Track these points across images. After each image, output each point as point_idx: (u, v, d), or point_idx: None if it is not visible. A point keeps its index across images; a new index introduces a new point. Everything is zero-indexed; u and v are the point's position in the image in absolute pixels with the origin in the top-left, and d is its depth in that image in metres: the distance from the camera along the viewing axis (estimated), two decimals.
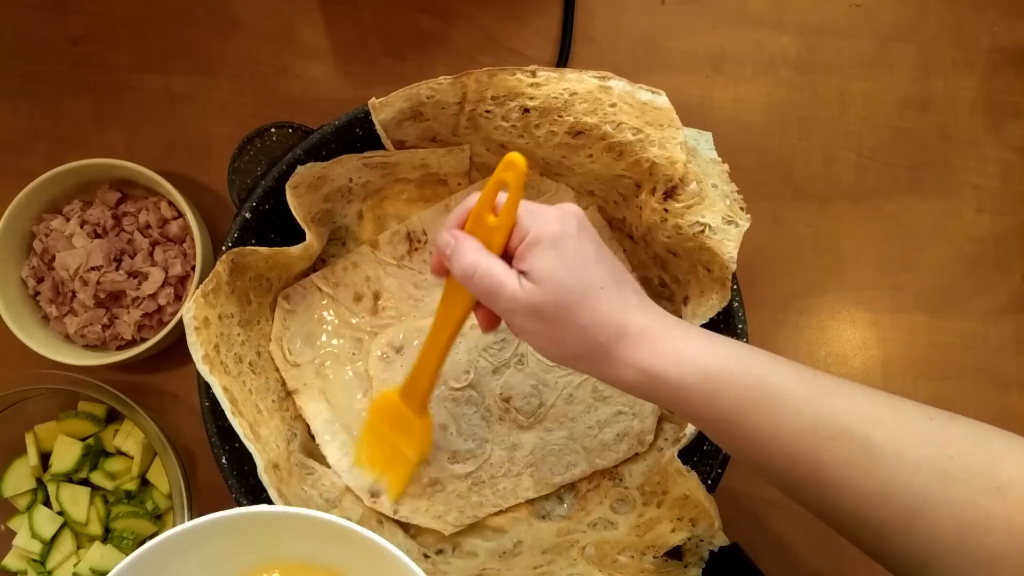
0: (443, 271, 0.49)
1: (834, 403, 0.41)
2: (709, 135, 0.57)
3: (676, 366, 0.42)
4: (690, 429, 0.56)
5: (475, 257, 0.45)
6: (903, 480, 0.39)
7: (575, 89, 0.54)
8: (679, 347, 0.43)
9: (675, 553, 0.55)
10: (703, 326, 0.57)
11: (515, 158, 0.44)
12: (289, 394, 0.62)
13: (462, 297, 0.49)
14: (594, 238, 0.46)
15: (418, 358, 0.54)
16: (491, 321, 0.49)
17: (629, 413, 0.61)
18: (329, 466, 0.61)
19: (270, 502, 0.53)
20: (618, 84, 0.54)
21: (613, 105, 0.54)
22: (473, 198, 0.47)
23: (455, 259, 0.46)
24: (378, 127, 0.56)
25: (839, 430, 0.40)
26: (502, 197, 0.45)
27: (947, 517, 0.38)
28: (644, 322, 0.44)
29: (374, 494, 0.61)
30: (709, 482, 0.54)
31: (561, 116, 0.55)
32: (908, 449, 0.40)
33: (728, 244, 0.53)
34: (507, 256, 0.46)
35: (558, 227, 0.44)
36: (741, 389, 0.42)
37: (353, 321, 0.63)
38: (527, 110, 0.55)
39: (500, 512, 0.62)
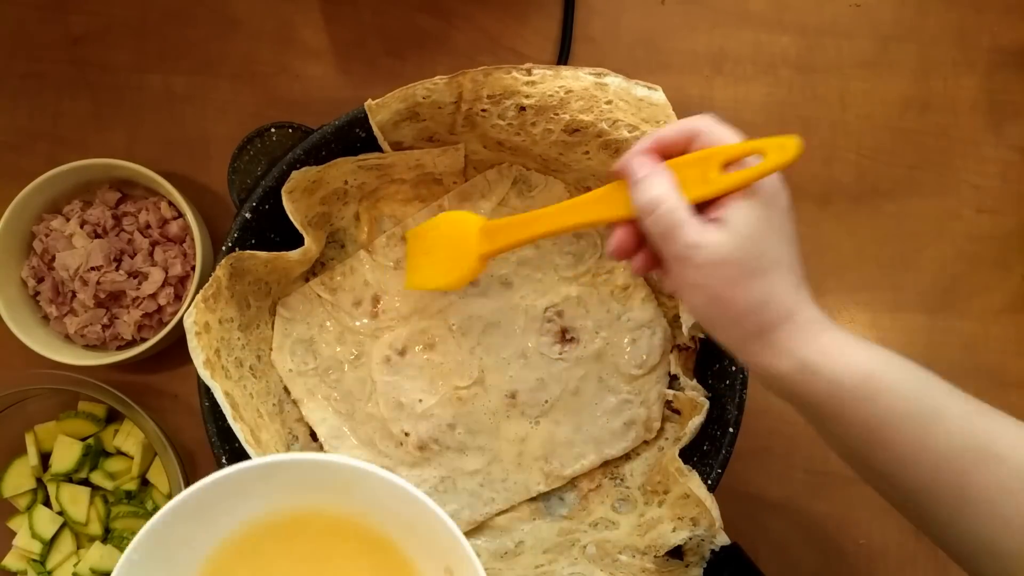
0: (618, 174, 0.46)
1: (988, 426, 0.40)
2: None
3: (835, 363, 0.41)
4: (691, 427, 0.56)
5: (664, 192, 0.42)
6: None
7: (571, 87, 0.54)
8: (841, 345, 0.41)
9: (676, 553, 0.55)
10: None
11: (791, 142, 0.40)
12: (290, 397, 0.62)
13: (615, 207, 0.46)
14: (794, 219, 0.43)
15: (525, 215, 0.51)
16: (648, 266, 0.46)
17: (635, 402, 0.61)
18: None
19: None
20: (614, 80, 0.54)
21: (609, 102, 0.54)
22: (673, 129, 0.44)
23: (642, 188, 0.42)
24: (375, 129, 0.56)
25: (992, 453, 0.39)
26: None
27: None
28: (812, 314, 0.42)
29: None
30: (709, 482, 0.54)
31: (557, 114, 0.55)
32: None
33: None
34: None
35: (773, 187, 0.42)
36: (894, 397, 0.40)
37: (353, 326, 0.63)
38: (523, 108, 0.55)
39: (501, 512, 0.62)
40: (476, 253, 0.54)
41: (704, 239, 0.41)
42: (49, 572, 0.64)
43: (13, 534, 0.65)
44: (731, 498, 0.55)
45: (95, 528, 0.64)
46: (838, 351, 0.41)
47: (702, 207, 0.42)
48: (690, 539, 0.53)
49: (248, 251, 0.56)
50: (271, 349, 0.62)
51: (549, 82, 0.54)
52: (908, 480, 0.41)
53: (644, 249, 0.46)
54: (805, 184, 0.71)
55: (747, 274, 0.41)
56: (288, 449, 0.59)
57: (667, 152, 0.44)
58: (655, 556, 0.54)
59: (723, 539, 0.52)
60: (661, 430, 0.62)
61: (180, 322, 0.63)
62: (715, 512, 0.52)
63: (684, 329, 0.58)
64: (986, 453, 0.39)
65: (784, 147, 0.40)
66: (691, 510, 0.54)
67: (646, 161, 0.44)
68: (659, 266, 0.46)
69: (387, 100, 0.55)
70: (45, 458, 0.66)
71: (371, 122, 0.55)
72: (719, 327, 0.44)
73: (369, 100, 0.55)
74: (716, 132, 0.43)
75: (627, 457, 0.62)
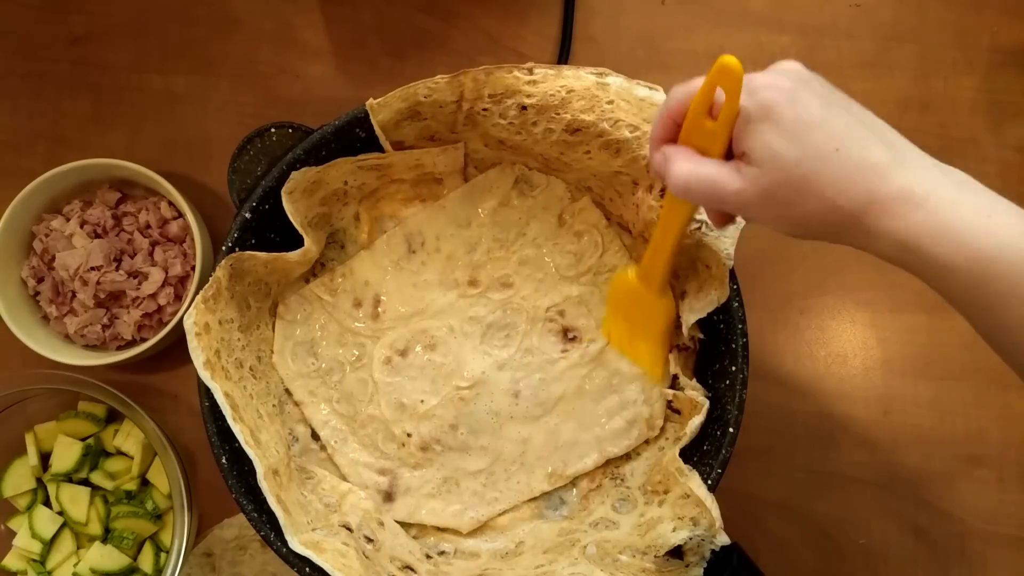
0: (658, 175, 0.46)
1: None
2: None
3: (939, 243, 0.37)
4: (691, 427, 0.56)
5: (686, 166, 0.42)
6: None
7: (572, 86, 0.54)
8: (946, 219, 0.37)
9: (676, 553, 0.55)
10: (700, 321, 0.57)
11: (729, 61, 0.39)
12: (291, 399, 0.62)
13: (683, 203, 0.49)
14: (818, 90, 0.40)
15: (650, 247, 0.54)
16: (724, 219, 0.47)
17: (638, 400, 0.61)
18: (337, 473, 0.62)
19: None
20: (615, 80, 0.54)
21: (610, 102, 0.54)
22: (660, 112, 0.44)
23: (670, 176, 0.43)
24: (377, 129, 0.56)
25: None
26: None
27: None
28: (900, 182, 0.38)
29: (387, 497, 0.61)
30: (709, 482, 0.54)
31: (558, 113, 0.55)
32: None
33: (725, 241, 0.54)
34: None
35: (767, 94, 0.39)
36: (1016, 276, 0.36)
37: (354, 327, 0.63)
38: (524, 107, 0.55)
39: (502, 512, 0.62)
40: (652, 295, 0.57)
41: (744, 181, 0.40)
42: (49, 572, 0.64)
43: (13, 534, 0.65)
44: (731, 498, 0.55)
45: (95, 528, 0.64)
46: (942, 228, 0.37)
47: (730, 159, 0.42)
48: (690, 539, 0.53)
49: (248, 252, 0.55)
50: (271, 350, 0.62)
51: (551, 81, 0.54)
52: None
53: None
54: None
55: (795, 186, 0.39)
56: (288, 450, 0.59)
57: (673, 135, 0.44)
58: (655, 556, 0.54)
59: (723, 539, 0.52)
60: (662, 430, 0.62)
61: (180, 322, 0.63)
62: (715, 512, 0.52)
63: (684, 329, 0.58)
64: None
65: (726, 68, 0.39)
66: (691, 510, 0.54)
67: (659, 152, 0.44)
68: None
69: (388, 100, 0.55)
70: (45, 458, 0.66)
71: (372, 122, 0.55)
72: (815, 236, 0.41)
73: (371, 99, 0.55)
74: (682, 90, 0.43)
75: (628, 457, 0.62)
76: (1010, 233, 0.37)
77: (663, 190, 0.55)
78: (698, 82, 0.42)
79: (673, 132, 0.44)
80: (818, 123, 0.39)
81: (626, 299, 0.59)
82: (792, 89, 0.39)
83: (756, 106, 0.39)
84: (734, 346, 0.55)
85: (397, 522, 0.61)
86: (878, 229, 0.38)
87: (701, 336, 0.60)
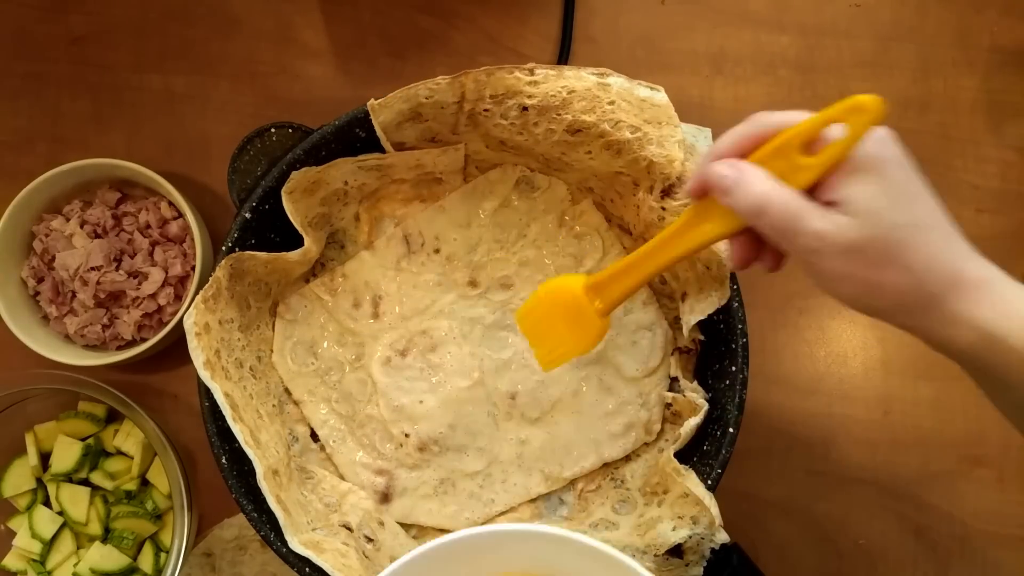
0: (701, 195, 0.43)
1: None
2: (708, 131, 0.57)
3: None
4: (687, 428, 0.56)
5: (766, 188, 0.38)
6: None
7: (573, 87, 0.54)
8: None
9: (676, 552, 0.55)
10: (700, 322, 0.57)
11: (868, 101, 0.36)
12: (291, 398, 0.62)
13: (714, 225, 0.44)
14: (915, 166, 0.39)
15: (624, 261, 0.49)
16: (776, 260, 0.43)
17: (636, 404, 0.61)
18: (336, 473, 0.61)
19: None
20: (616, 81, 0.54)
21: (612, 103, 0.54)
22: (730, 136, 0.41)
23: (740, 192, 0.39)
24: (378, 129, 0.56)
25: None
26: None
27: None
28: (983, 273, 0.38)
29: (383, 498, 0.61)
30: (709, 482, 0.54)
31: (559, 114, 0.55)
32: None
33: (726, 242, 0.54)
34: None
35: (880, 149, 0.37)
36: None
37: (354, 327, 0.63)
38: (525, 108, 0.55)
39: (502, 513, 0.62)
40: (594, 314, 0.51)
41: (830, 225, 0.37)
42: (49, 572, 0.64)
43: (13, 534, 0.65)
44: (731, 498, 0.55)
45: (95, 528, 0.64)
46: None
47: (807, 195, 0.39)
48: (690, 538, 0.53)
49: (248, 252, 0.56)
50: (271, 350, 0.62)
51: (552, 82, 0.54)
52: None
53: (738, 240, 0.43)
54: None
55: (887, 249, 0.37)
56: (288, 450, 0.59)
57: (739, 154, 0.41)
58: (655, 555, 0.54)
59: (722, 537, 0.52)
60: (661, 432, 0.62)
61: (180, 322, 0.63)
62: (714, 510, 0.52)
63: (685, 331, 0.58)
64: None
65: (862, 110, 0.37)
66: (690, 509, 0.54)
67: (725, 164, 0.40)
68: (760, 257, 0.43)
69: (389, 100, 0.55)
70: (45, 458, 0.66)
71: (374, 122, 0.55)
72: (885, 311, 0.40)
73: (372, 100, 0.55)
74: (776, 117, 0.40)
75: (627, 459, 0.62)
76: None
77: (663, 191, 0.55)
78: (796, 115, 0.40)
79: (742, 152, 0.41)
80: (921, 195, 0.38)
81: (558, 304, 0.53)
82: (901, 155, 0.38)
83: (868, 157, 0.37)
84: (734, 346, 0.55)
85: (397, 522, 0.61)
86: (958, 314, 0.38)
87: (702, 338, 0.60)
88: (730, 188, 0.40)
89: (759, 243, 0.43)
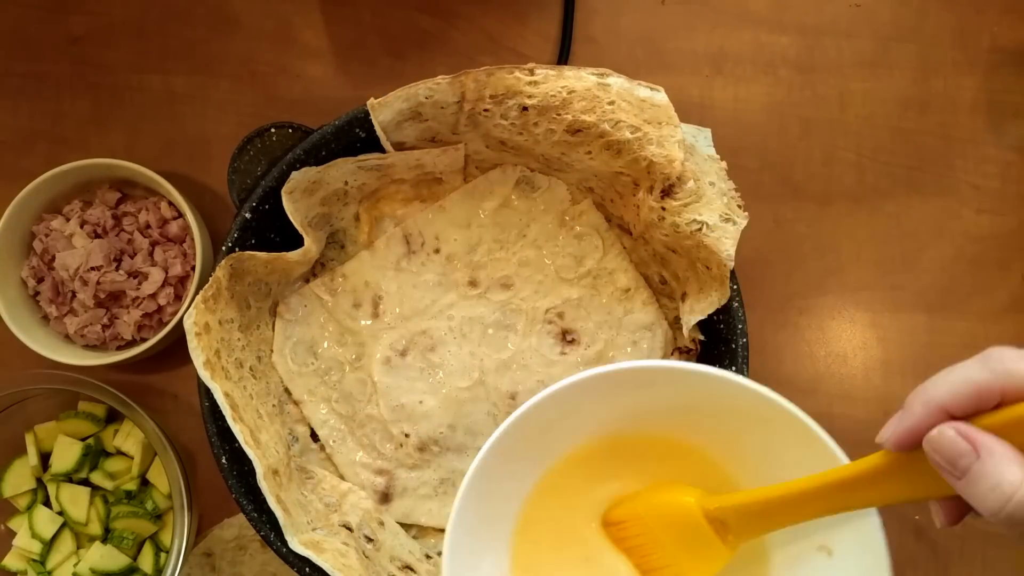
0: (909, 445, 0.36)
1: None
2: (708, 131, 0.57)
3: None
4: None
5: (1017, 478, 0.30)
6: None
7: (573, 87, 0.54)
8: None
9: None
10: (700, 323, 0.57)
11: None
12: (291, 398, 0.62)
13: (909, 484, 0.37)
14: None
15: (770, 495, 0.43)
16: (968, 511, 0.36)
17: None
18: (336, 473, 0.61)
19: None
20: (616, 81, 0.54)
21: (611, 103, 0.54)
22: (972, 375, 0.33)
23: (984, 484, 0.31)
24: (378, 129, 0.56)
25: None
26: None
27: None
28: None
29: (383, 498, 0.61)
30: None
31: (559, 114, 0.55)
32: None
33: (726, 242, 0.53)
34: None
35: None
36: None
37: (354, 327, 0.63)
38: (525, 108, 0.55)
39: None
40: (721, 544, 0.46)
41: None
42: (49, 572, 0.64)
43: (13, 534, 0.65)
44: None
45: (95, 528, 0.64)
46: None
47: None
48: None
49: (248, 251, 0.56)
50: (271, 350, 0.62)
51: (552, 82, 0.54)
52: None
53: (946, 504, 0.37)
54: (805, 184, 0.71)
55: None
56: (288, 450, 0.59)
57: (951, 413, 0.34)
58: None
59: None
60: None
61: (180, 322, 0.63)
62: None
63: (685, 331, 0.58)
64: None
65: None
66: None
67: (958, 435, 0.32)
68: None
69: (389, 99, 0.54)
70: (45, 458, 0.66)
71: (374, 121, 0.55)
72: None
73: (371, 99, 0.55)
74: (986, 373, 0.32)
75: None
76: None
77: (663, 191, 0.55)
78: None
79: (976, 408, 0.33)
80: None
81: (672, 528, 0.48)
82: None
83: None
84: (734, 346, 0.55)
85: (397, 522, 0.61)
86: None
87: (702, 338, 0.60)
88: (967, 470, 0.32)
89: (966, 506, 0.35)
